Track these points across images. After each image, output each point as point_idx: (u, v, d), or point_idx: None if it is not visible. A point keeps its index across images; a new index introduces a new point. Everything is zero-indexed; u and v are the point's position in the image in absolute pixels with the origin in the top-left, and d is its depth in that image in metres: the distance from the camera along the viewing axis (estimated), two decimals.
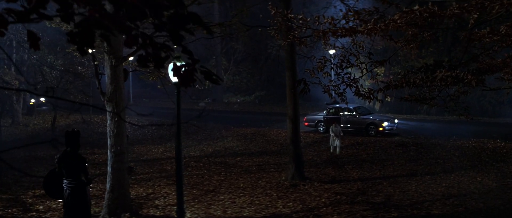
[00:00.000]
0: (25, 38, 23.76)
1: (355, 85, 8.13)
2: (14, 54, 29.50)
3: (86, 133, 27.95)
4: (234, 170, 18.15)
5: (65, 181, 7.50)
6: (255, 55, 48.59)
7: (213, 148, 22.71)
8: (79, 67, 24.18)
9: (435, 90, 9.64)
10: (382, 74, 36.41)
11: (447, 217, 11.80)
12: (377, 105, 35.70)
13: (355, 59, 7.76)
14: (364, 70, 7.90)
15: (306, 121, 25.47)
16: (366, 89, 8.28)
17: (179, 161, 9.78)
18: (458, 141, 21.37)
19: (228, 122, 28.86)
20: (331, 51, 22.16)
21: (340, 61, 7.75)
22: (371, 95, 8.27)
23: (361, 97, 8.39)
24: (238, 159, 20.25)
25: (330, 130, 20.57)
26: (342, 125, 24.20)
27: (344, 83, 8.15)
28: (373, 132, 23.19)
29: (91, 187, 8.01)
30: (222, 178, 16.86)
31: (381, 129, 23.14)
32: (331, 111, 25.17)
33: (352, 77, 8.04)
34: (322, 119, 24.92)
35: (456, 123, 27.50)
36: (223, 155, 21.23)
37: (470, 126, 25.75)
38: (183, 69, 3.00)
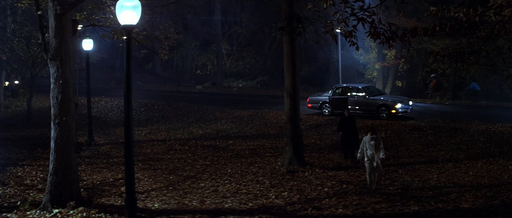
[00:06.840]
0: None
1: (370, 20, 5.55)
2: None
3: None
4: (223, 154, 15.75)
5: None
6: (259, 40, 45.85)
7: (204, 130, 20.27)
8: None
9: (479, 41, 7.06)
10: (393, 57, 33.36)
11: (480, 212, 9.61)
12: (388, 89, 32.93)
13: None
14: None
15: (309, 102, 22.87)
16: (386, 27, 5.70)
17: (128, 131, 7.34)
18: (481, 125, 18.78)
19: (225, 104, 26.30)
20: None
21: None
22: (394, 36, 5.68)
23: (378, 40, 5.82)
24: (230, 142, 17.81)
25: (363, 144, 11.41)
26: (349, 107, 21.08)
27: (355, 17, 5.59)
28: (384, 115, 20.57)
29: None
30: (208, 163, 14.49)
31: (393, 111, 20.51)
32: (337, 91, 22.52)
33: (365, 7, 5.48)
34: (327, 100, 22.27)
35: (475, 107, 25.08)
36: (213, 137, 18.80)
37: (491, 110, 23.36)
38: None
